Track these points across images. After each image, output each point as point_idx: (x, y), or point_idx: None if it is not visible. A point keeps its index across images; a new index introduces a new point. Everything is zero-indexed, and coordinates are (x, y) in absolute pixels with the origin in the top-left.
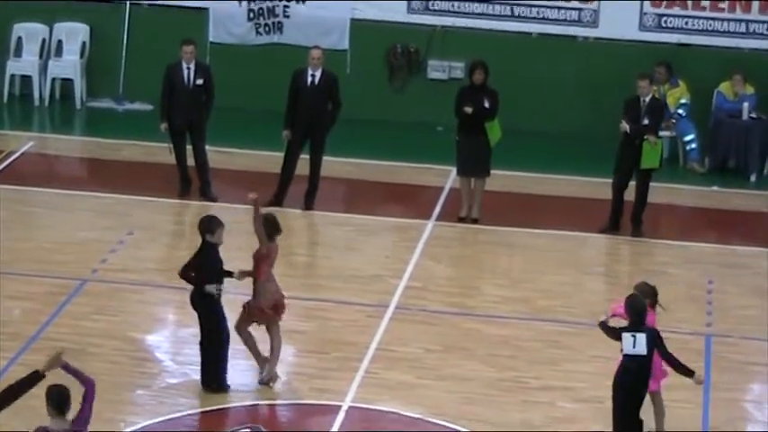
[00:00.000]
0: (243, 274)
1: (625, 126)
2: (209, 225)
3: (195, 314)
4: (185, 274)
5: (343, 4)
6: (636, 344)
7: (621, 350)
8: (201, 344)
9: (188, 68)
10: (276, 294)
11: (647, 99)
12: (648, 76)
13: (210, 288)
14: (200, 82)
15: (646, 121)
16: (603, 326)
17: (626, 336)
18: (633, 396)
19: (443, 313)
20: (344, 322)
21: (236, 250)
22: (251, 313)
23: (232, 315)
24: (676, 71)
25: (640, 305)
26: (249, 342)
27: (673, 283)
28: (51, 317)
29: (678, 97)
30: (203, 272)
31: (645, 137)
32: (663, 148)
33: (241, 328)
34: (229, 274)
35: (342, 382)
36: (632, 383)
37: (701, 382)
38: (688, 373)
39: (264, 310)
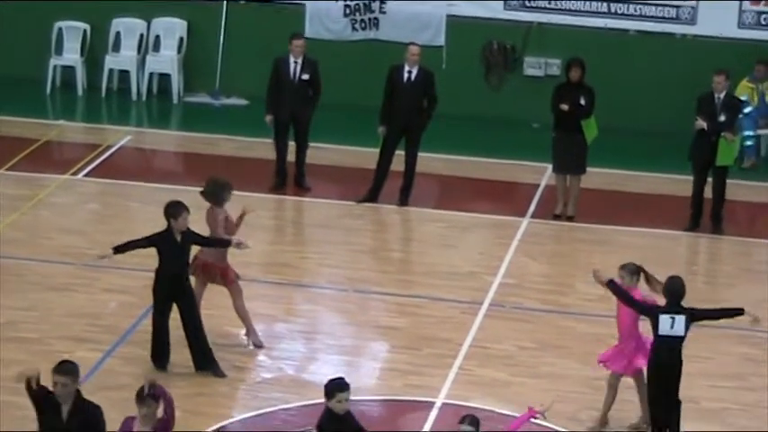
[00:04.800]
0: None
1: (701, 123)
2: (174, 210)
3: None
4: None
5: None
6: (674, 325)
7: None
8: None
9: (295, 63)
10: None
11: (722, 96)
12: (725, 72)
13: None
14: (305, 77)
15: (722, 118)
16: (613, 286)
17: (664, 317)
18: (672, 376)
19: (538, 311)
20: (439, 319)
21: (333, 245)
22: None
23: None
24: None
25: (678, 286)
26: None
27: None
28: (147, 310)
29: None
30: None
31: (722, 134)
32: (737, 145)
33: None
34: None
35: (435, 378)
36: (669, 363)
37: (756, 318)
38: (738, 312)
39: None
